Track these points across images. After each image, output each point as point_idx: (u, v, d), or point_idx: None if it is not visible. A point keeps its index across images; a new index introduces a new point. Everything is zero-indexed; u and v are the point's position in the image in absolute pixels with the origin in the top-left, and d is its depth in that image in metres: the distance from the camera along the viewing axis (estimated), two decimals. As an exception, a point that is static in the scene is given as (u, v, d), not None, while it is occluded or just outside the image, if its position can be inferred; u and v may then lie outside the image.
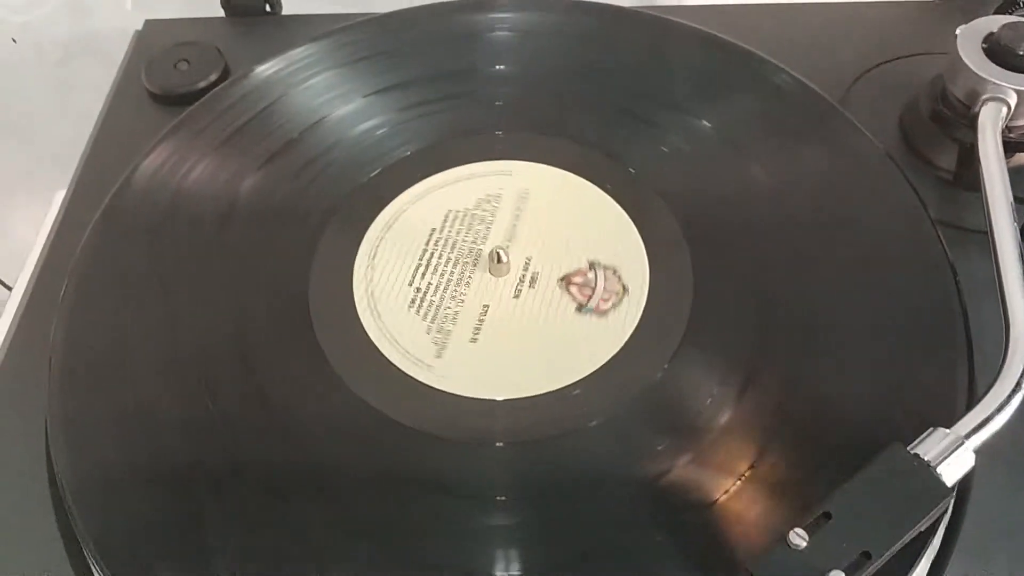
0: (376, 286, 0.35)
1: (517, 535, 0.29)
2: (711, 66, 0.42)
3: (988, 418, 0.27)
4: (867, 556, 0.25)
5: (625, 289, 0.34)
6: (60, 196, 0.46)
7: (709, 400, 0.31)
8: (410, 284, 0.35)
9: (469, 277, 0.35)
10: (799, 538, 0.25)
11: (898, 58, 0.45)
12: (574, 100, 0.41)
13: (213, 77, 0.48)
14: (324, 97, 0.41)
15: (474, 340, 0.33)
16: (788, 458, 0.30)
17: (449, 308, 0.34)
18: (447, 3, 0.46)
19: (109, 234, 0.38)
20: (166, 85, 0.48)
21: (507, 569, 0.28)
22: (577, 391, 0.32)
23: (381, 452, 0.31)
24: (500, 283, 0.35)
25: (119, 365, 0.33)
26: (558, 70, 0.42)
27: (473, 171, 0.39)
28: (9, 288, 0.56)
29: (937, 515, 0.26)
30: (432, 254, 0.36)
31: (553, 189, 0.38)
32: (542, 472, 0.30)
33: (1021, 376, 0.28)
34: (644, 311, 0.34)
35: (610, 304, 0.34)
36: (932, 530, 0.28)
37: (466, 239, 0.37)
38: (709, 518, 0.29)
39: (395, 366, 0.33)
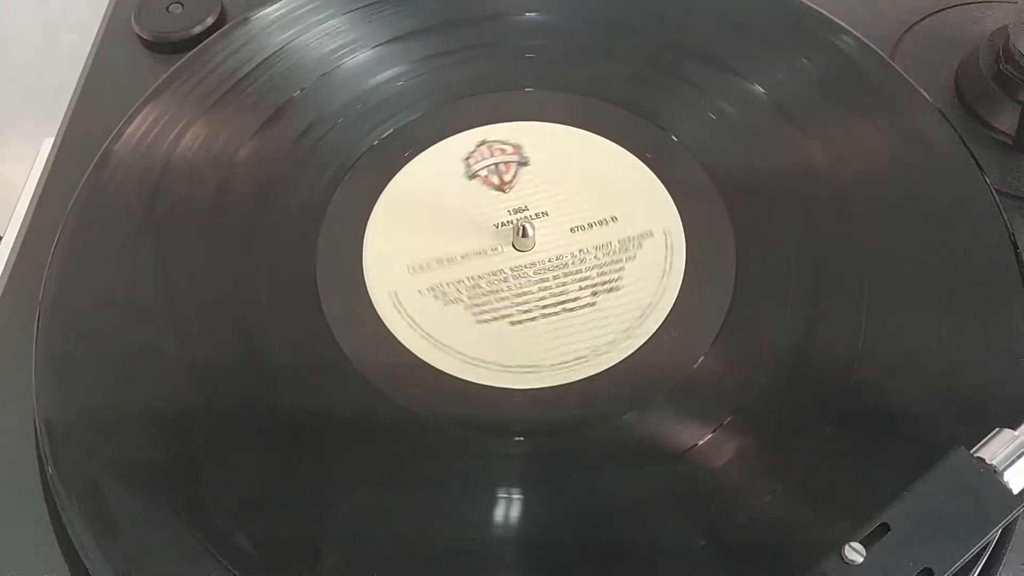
0: (390, 262, 0.33)
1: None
2: (765, 22, 0.38)
3: (1058, 418, 0.25)
4: (929, 573, 0.23)
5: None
6: (48, 144, 0.44)
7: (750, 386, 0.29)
8: (426, 258, 0.33)
9: (492, 249, 0.33)
10: (855, 553, 0.23)
11: (953, 6, 0.42)
12: (612, 55, 0.38)
13: (209, 22, 0.44)
14: (329, 47, 0.38)
15: (485, 320, 0.31)
16: (837, 453, 0.28)
17: (465, 284, 0.32)
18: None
19: (101, 191, 0.35)
20: (158, 31, 0.44)
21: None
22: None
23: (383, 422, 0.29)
24: (519, 257, 0.33)
25: (110, 314, 0.32)
26: (596, 21, 0.39)
27: (496, 133, 0.36)
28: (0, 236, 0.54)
29: (1003, 525, 0.24)
30: (450, 224, 0.34)
31: (588, 156, 0.35)
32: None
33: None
34: (680, 290, 0.31)
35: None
36: (994, 543, 0.26)
37: (486, 211, 0.34)
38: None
39: (410, 351, 0.30)
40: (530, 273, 0.32)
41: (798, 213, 0.33)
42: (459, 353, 0.30)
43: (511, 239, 0.33)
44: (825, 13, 0.38)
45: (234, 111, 0.36)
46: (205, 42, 0.39)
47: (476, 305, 0.32)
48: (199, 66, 0.37)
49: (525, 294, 0.32)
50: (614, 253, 0.33)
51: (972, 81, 0.38)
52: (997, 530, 0.24)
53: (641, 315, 0.31)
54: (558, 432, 0.29)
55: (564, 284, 0.32)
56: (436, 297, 0.32)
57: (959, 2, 0.42)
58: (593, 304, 0.32)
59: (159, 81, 0.38)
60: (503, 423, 0.29)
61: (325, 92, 0.36)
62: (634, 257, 0.33)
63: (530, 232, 0.32)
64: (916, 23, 0.41)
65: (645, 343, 0.30)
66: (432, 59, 0.37)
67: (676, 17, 0.39)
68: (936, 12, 0.42)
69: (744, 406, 0.29)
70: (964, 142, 0.34)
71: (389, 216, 0.34)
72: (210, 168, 0.34)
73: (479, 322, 0.31)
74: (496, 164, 0.35)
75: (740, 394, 0.29)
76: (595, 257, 0.33)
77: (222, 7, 0.45)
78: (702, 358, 0.30)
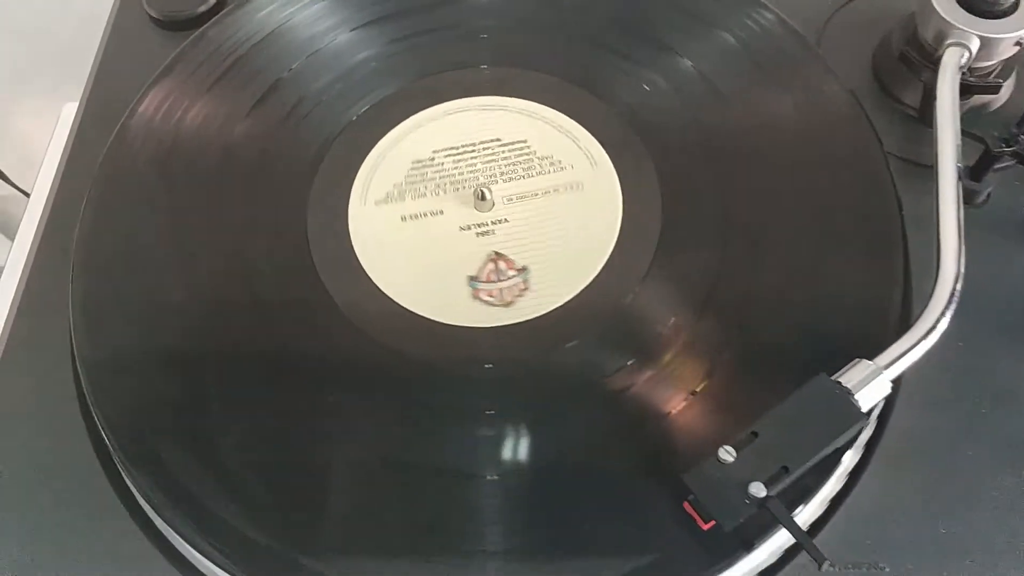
0: (370, 219, 0.38)
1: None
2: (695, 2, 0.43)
3: (905, 352, 0.31)
4: (785, 470, 0.29)
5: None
6: (68, 109, 0.49)
7: (672, 319, 0.35)
8: (402, 218, 0.38)
9: (455, 210, 0.38)
10: (727, 454, 0.29)
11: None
12: (558, 33, 0.43)
13: (212, 1, 0.49)
14: (312, 31, 0.43)
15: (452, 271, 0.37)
16: (737, 375, 0.34)
17: (437, 241, 0.38)
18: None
19: (121, 160, 0.41)
20: (166, 10, 0.49)
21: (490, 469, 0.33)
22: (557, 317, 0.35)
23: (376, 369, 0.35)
24: (483, 216, 0.38)
25: (135, 265, 0.38)
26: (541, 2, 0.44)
27: (459, 106, 0.41)
28: (27, 194, 0.59)
29: (851, 436, 0.30)
30: (421, 186, 0.39)
31: (534, 124, 0.40)
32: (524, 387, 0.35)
33: (940, 315, 0.31)
34: (618, 237, 0.37)
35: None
36: (847, 447, 0.32)
37: (452, 174, 0.39)
38: (667, 427, 0.33)
39: (391, 299, 0.36)
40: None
41: (714, 170, 0.38)
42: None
43: (473, 203, 0.38)
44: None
45: (232, 90, 0.41)
46: (204, 27, 0.44)
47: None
48: (200, 49, 0.43)
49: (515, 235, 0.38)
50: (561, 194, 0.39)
51: (885, 60, 0.42)
52: (844, 438, 0.30)
53: (600, 240, 0.37)
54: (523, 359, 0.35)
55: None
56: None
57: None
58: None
59: (165, 63, 0.43)
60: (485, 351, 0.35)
61: (310, 72, 0.41)
62: (582, 198, 0.38)
63: (487, 195, 0.37)
64: (844, 4, 0.46)
65: (604, 265, 0.36)
66: (401, 40, 0.42)
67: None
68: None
69: (664, 334, 0.35)
70: (866, 114, 0.39)
71: (368, 182, 0.39)
72: (213, 141, 0.40)
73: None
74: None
75: (661, 324, 0.35)
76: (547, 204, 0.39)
77: (223, -13, 0.50)
78: (631, 296, 0.36)
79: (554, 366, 0.35)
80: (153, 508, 0.33)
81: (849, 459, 0.33)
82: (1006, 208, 0.39)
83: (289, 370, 0.35)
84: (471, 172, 0.39)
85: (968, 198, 0.39)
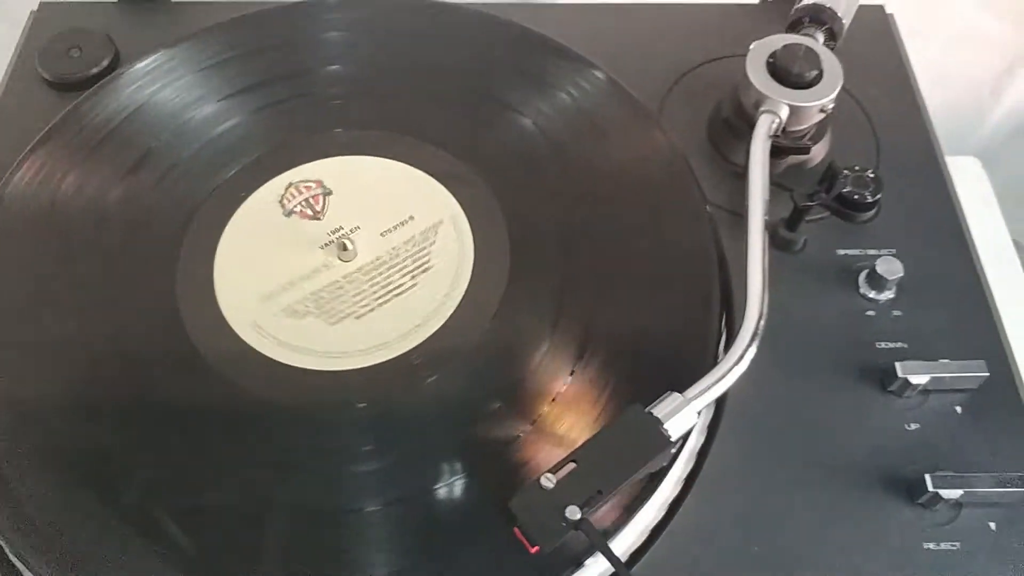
0: (235, 277, 0.41)
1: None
2: (533, 64, 0.48)
3: (711, 385, 0.35)
4: (600, 492, 0.32)
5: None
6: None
7: (519, 355, 0.39)
8: (272, 287, 0.41)
9: (324, 267, 0.41)
10: (548, 480, 0.32)
11: (718, 58, 0.52)
12: (408, 95, 0.47)
13: (105, 63, 0.51)
14: (180, 102, 0.47)
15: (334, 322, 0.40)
16: (571, 406, 0.37)
17: (311, 299, 0.41)
18: (283, 6, 0.51)
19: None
20: (59, 72, 0.51)
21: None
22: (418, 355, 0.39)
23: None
24: (347, 266, 0.41)
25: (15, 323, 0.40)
26: (391, 68, 0.48)
27: (315, 169, 0.45)
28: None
29: (662, 461, 0.34)
30: (283, 243, 0.42)
31: (381, 176, 0.44)
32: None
33: (744, 352, 0.36)
34: (471, 279, 0.41)
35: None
36: (662, 474, 0.35)
37: (311, 236, 0.43)
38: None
39: (257, 351, 0.39)
40: (360, 276, 0.41)
41: (554, 217, 0.43)
42: (319, 352, 0.39)
43: (336, 254, 0.41)
44: (586, 56, 0.48)
45: (105, 159, 0.44)
46: (77, 100, 0.47)
47: (325, 312, 0.40)
48: (75, 120, 0.46)
49: (362, 292, 0.41)
50: (418, 243, 0.42)
51: (716, 125, 0.48)
52: (655, 464, 0.34)
53: (452, 280, 0.41)
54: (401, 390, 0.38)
55: (390, 276, 0.41)
56: (289, 316, 0.40)
57: (725, 55, 0.52)
58: (415, 284, 0.41)
59: (41, 134, 0.45)
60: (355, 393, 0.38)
61: (179, 140, 0.45)
62: (435, 242, 0.42)
63: (349, 245, 0.41)
64: (692, 70, 0.51)
65: (459, 304, 0.40)
66: (263, 110, 0.46)
67: (458, 62, 0.48)
68: (706, 62, 0.52)
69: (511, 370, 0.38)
70: (690, 168, 0.43)
71: (233, 253, 0.42)
72: (88, 207, 0.43)
73: (331, 324, 0.40)
74: (306, 199, 0.44)
75: (508, 362, 0.39)
76: (406, 250, 0.42)
77: (115, 51, 0.52)
78: (493, 317, 0.39)
79: (415, 402, 0.38)
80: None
81: (669, 491, 0.37)
82: (819, 254, 0.44)
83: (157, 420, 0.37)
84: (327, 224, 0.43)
85: (786, 246, 0.44)
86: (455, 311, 0.40)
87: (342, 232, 0.42)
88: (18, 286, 0.41)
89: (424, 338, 0.39)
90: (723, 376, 0.35)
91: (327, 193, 0.44)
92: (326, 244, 0.42)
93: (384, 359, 0.39)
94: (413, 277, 0.41)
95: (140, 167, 0.44)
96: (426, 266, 0.42)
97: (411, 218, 0.43)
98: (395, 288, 0.41)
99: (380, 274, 0.41)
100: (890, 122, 0.49)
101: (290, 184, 0.44)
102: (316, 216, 0.43)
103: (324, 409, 0.38)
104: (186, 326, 0.39)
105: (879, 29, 0.54)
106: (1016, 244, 0.60)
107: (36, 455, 0.36)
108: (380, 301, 0.41)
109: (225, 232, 0.42)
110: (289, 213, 0.43)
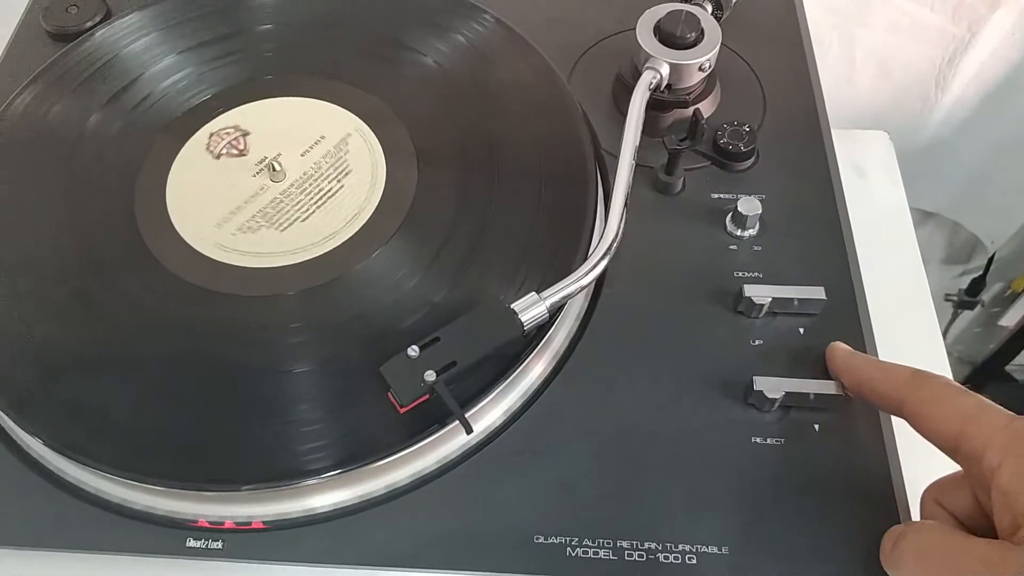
0: (186, 190, 0.49)
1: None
2: (436, 15, 0.56)
3: (563, 288, 0.41)
4: (454, 363, 0.39)
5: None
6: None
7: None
8: (214, 205, 0.49)
9: (261, 189, 0.49)
10: (413, 351, 0.39)
11: (628, 30, 0.58)
12: (326, 44, 0.56)
13: (97, 19, 0.60)
14: (147, 55, 0.56)
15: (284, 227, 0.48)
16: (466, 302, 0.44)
17: (258, 216, 0.48)
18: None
19: None
20: (58, 25, 0.60)
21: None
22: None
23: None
24: (281, 185, 0.49)
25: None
26: (312, 21, 0.57)
27: (257, 106, 0.53)
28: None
29: (514, 346, 0.40)
30: (220, 180, 0.50)
31: (296, 112, 0.53)
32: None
33: (595, 264, 0.42)
34: (383, 192, 0.49)
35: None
36: (518, 357, 0.42)
37: (241, 163, 0.50)
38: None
39: (227, 264, 0.46)
40: (294, 190, 0.49)
41: (445, 114, 0.51)
42: (280, 252, 0.47)
43: (268, 176, 0.49)
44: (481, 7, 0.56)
45: (84, 94, 0.54)
46: (68, 47, 0.56)
47: (274, 224, 0.48)
48: (63, 64, 0.55)
49: (300, 202, 0.48)
50: (334, 155, 0.50)
51: (617, 86, 0.54)
52: (505, 346, 0.40)
53: (372, 175, 0.49)
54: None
55: (319, 184, 0.49)
56: (244, 232, 0.48)
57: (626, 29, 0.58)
58: (342, 186, 0.49)
59: (37, 70, 0.54)
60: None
61: (144, 86, 0.54)
62: (348, 151, 0.50)
63: (278, 167, 0.48)
64: (595, 44, 0.58)
65: (383, 193, 0.48)
66: (212, 61, 0.55)
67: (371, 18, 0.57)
68: (619, 32, 0.58)
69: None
70: (565, 82, 0.51)
71: (180, 196, 0.49)
72: (69, 128, 0.51)
73: (281, 231, 0.47)
74: (228, 143, 0.52)
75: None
76: (326, 161, 0.50)
77: (107, 8, 0.60)
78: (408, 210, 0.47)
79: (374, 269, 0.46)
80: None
81: (532, 380, 0.43)
82: (696, 198, 0.50)
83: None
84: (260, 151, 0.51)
85: (665, 189, 0.50)
86: (381, 199, 0.48)
87: (267, 160, 0.50)
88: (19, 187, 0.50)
89: (363, 224, 0.47)
90: (574, 283, 0.42)
91: (245, 134, 0.52)
92: (258, 173, 0.50)
93: (337, 244, 0.47)
94: (339, 181, 0.49)
95: (113, 102, 0.53)
96: (347, 170, 0.50)
97: (322, 137, 0.51)
98: (327, 192, 0.49)
99: (310, 184, 0.49)
100: (780, 86, 0.55)
101: (211, 134, 0.52)
102: (242, 154, 0.51)
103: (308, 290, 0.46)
104: (164, 264, 0.47)
105: (783, 3, 0.60)
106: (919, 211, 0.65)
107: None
108: (318, 205, 0.48)
109: (169, 179, 0.50)
110: (218, 156, 0.51)
